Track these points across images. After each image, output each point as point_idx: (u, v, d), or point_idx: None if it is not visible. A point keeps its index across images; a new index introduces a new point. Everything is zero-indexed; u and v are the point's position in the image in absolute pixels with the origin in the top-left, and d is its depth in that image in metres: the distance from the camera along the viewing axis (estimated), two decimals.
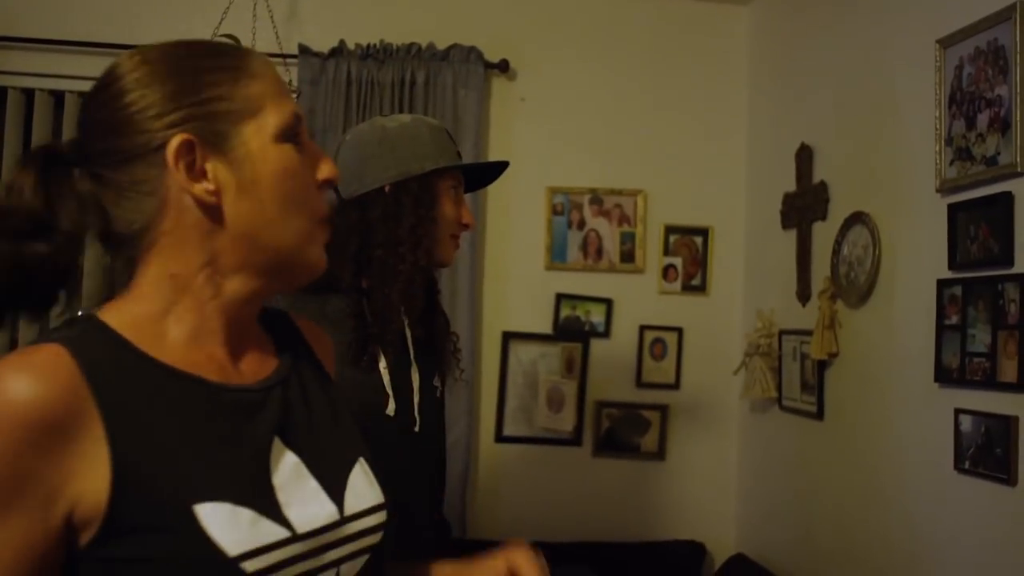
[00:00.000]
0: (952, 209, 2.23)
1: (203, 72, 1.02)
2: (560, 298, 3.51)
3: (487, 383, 3.52)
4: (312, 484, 1.04)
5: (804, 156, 3.01)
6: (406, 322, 1.90)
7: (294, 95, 3.31)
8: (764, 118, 3.45)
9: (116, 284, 1.05)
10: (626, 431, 3.54)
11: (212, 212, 1.01)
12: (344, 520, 1.05)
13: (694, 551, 3.43)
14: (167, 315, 1.02)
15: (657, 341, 3.54)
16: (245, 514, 0.94)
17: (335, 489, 1.06)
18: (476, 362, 3.45)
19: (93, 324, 0.99)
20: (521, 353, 3.50)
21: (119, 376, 0.95)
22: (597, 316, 3.53)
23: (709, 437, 3.56)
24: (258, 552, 0.93)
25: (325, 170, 1.08)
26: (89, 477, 0.90)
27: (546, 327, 3.51)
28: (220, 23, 3.21)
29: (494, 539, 3.49)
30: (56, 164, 1.02)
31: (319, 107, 3.36)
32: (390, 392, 1.85)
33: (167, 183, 1.00)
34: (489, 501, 3.49)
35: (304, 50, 3.38)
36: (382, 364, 1.82)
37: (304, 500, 1.01)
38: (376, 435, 1.86)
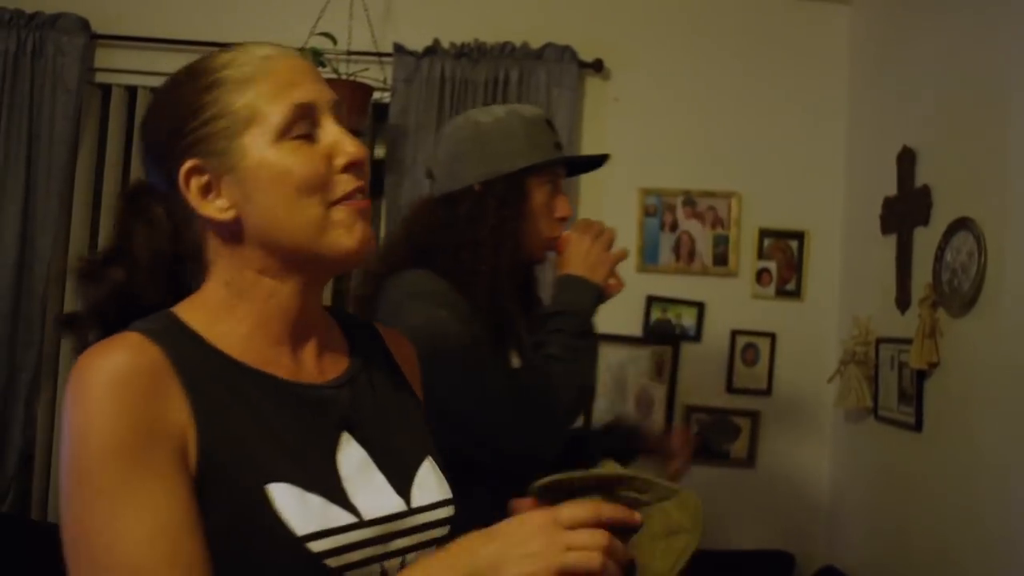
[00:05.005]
0: None
1: (198, 94, 1.07)
2: (651, 301, 3.47)
3: None
4: (379, 477, 1.09)
5: (906, 159, 2.92)
6: (504, 319, 1.88)
7: (388, 93, 3.34)
8: (864, 119, 3.36)
9: (192, 286, 1.13)
10: (715, 437, 3.48)
11: (235, 225, 1.07)
12: (411, 511, 1.10)
13: (783, 562, 3.36)
14: (231, 316, 1.08)
15: (749, 346, 3.47)
16: (314, 499, 1.00)
17: (401, 483, 1.11)
18: None
19: (171, 319, 1.06)
20: (610, 355, 3.46)
21: (197, 366, 1.01)
22: (688, 319, 3.48)
23: (801, 445, 3.49)
24: (325, 534, 0.99)
25: (344, 155, 1.07)
26: (187, 447, 0.97)
27: (636, 330, 3.48)
28: (317, 22, 3.26)
29: None
30: (140, 195, 1.14)
31: (412, 105, 3.38)
32: None
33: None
34: None
35: (399, 49, 3.40)
36: None
37: (371, 491, 1.07)
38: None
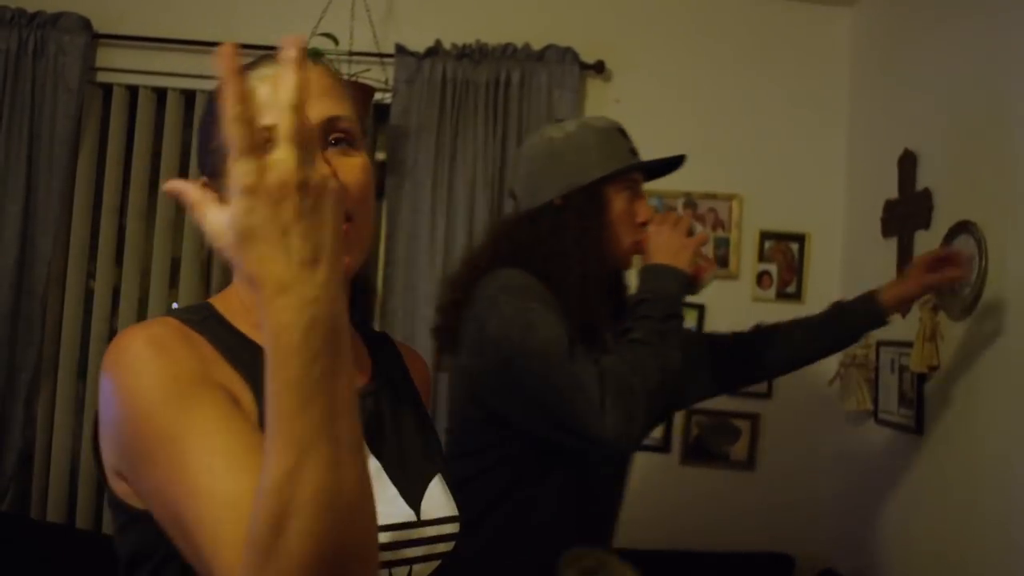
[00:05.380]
0: None
1: (214, 114, 1.10)
2: None
3: None
4: (391, 489, 1.11)
5: (907, 162, 2.92)
6: (594, 327, 1.91)
7: (390, 94, 3.33)
8: (866, 122, 3.36)
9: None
10: (715, 439, 3.48)
11: None
12: (421, 523, 1.12)
13: (783, 564, 3.36)
14: (247, 321, 1.10)
15: None
16: None
17: (412, 496, 1.13)
18: None
19: (208, 310, 1.10)
20: None
21: (235, 351, 1.04)
22: (688, 322, 3.47)
23: (801, 448, 3.49)
24: None
25: None
26: (243, 404, 0.98)
27: None
28: (318, 22, 3.25)
29: None
30: None
31: (414, 106, 3.37)
32: None
33: None
34: None
35: (401, 49, 3.40)
36: None
37: (383, 500, 1.07)
38: None
